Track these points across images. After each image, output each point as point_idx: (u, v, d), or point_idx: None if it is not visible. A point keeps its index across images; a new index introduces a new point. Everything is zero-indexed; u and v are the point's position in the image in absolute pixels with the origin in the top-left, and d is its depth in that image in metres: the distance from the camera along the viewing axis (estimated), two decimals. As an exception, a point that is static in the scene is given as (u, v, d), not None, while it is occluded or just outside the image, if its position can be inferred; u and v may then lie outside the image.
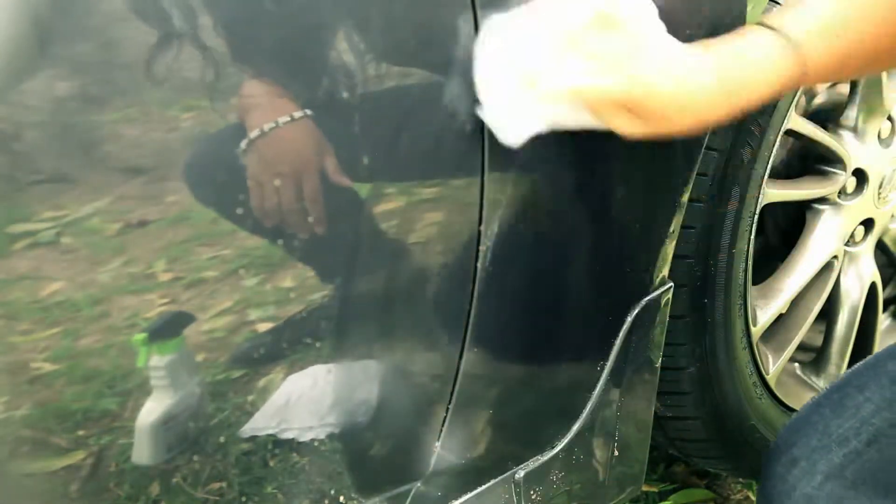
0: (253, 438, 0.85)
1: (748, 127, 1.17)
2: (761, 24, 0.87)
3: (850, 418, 0.96)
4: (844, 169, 1.40)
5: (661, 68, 0.82)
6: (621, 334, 1.08)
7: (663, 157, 1.06)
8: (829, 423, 0.97)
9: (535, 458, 1.07)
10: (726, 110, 0.86)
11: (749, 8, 1.09)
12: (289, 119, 0.78)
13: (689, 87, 0.83)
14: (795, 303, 1.44)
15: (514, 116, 0.85)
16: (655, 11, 0.85)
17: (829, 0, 0.88)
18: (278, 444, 0.87)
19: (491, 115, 0.85)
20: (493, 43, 0.84)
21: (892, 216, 1.54)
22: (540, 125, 0.86)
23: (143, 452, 0.79)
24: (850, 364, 1.50)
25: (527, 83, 0.83)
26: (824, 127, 1.39)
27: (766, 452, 1.01)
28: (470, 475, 1.03)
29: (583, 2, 0.82)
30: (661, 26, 0.84)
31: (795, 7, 0.88)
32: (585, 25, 0.81)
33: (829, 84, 1.45)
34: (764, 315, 1.36)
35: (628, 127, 0.85)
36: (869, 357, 1.03)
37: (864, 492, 0.93)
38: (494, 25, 0.84)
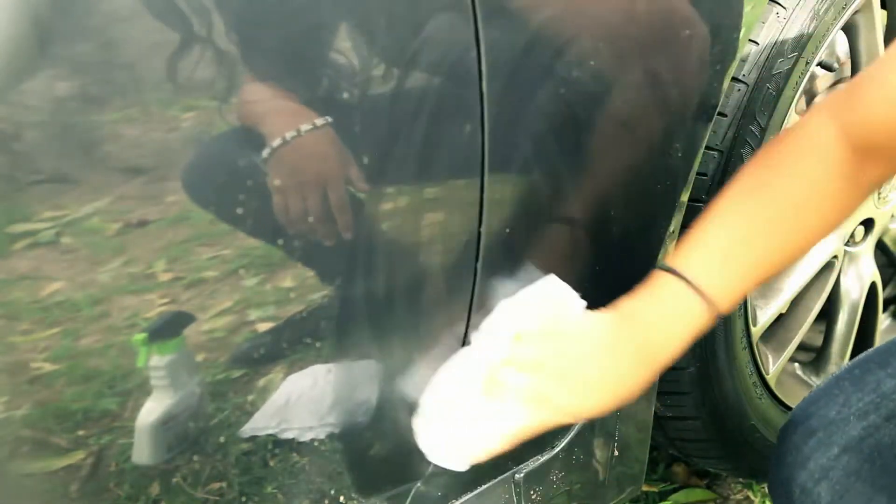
0: (253, 438, 0.85)
1: (748, 127, 1.17)
2: (664, 269, 0.89)
3: (870, 392, 0.96)
4: (844, 169, 1.40)
5: (585, 385, 0.87)
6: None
7: (663, 157, 1.06)
8: (849, 396, 0.96)
9: (535, 458, 1.07)
10: (649, 374, 0.89)
11: (748, 8, 1.09)
12: (289, 120, 0.78)
13: (617, 375, 0.87)
14: (795, 303, 1.44)
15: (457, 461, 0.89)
16: (572, 304, 0.90)
17: (721, 227, 0.89)
18: (278, 444, 0.87)
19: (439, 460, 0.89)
20: (431, 410, 0.89)
21: (892, 216, 1.54)
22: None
23: (143, 452, 0.79)
24: (850, 364, 1.50)
25: (466, 441, 0.88)
26: (824, 127, 1.38)
27: (783, 426, 1.01)
28: (470, 475, 1.02)
29: (501, 332, 0.88)
30: (577, 321, 0.90)
31: (691, 245, 0.89)
32: (502, 360, 0.87)
33: (829, 84, 1.45)
34: (764, 315, 1.36)
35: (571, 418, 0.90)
36: (893, 338, 1.03)
37: (881, 465, 0.93)
38: (429, 393, 0.89)
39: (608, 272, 1.06)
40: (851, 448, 0.94)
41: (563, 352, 0.87)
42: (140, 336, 0.75)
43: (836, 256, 1.44)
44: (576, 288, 1.04)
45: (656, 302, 0.88)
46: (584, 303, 0.91)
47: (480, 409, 0.87)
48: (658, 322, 0.88)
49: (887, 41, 1.41)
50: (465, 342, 0.95)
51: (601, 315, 0.89)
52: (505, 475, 1.05)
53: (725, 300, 0.88)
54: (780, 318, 1.42)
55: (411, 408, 0.92)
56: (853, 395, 0.96)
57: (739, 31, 1.10)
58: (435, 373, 0.90)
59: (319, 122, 0.79)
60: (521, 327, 0.88)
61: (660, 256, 1.10)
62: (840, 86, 0.96)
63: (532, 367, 0.86)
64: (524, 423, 0.87)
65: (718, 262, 0.88)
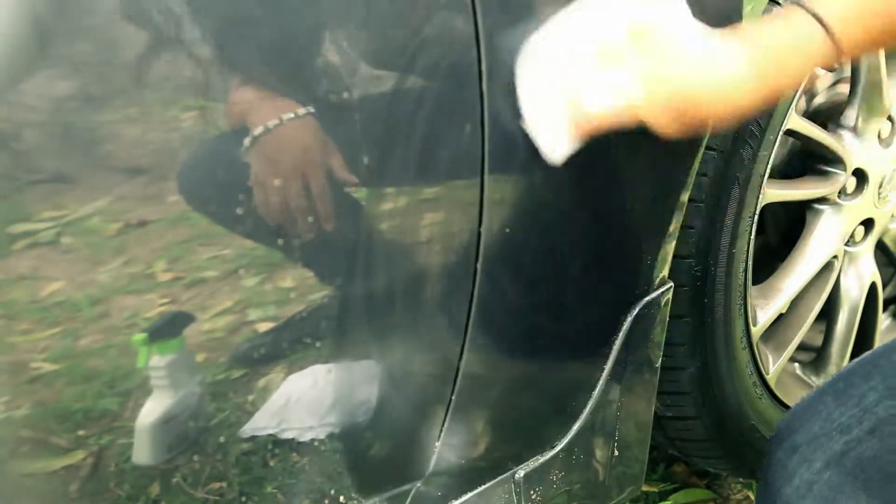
0: (253, 438, 0.85)
1: (748, 127, 1.17)
2: (798, 3, 0.89)
3: (853, 406, 0.96)
4: (844, 169, 1.40)
5: (699, 70, 0.87)
6: (621, 334, 1.08)
7: (663, 157, 1.06)
8: (831, 410, 0.97)
9: (535, 458, 1.07)
10: (764, 97, 0.89)
11: (748, 8, 1.09)
12: (289, 120, 0.78)
13: (728, 83, 0.87)
14: (795, 303, 1.44)
15: (558, 133, 0.90)
16: (685, 11, 0.88)
17: None
18: (278, 444, 0.87)
19: (536, 131, 0.89)
20: (534, 61, 0.88)
21: (892, 216, 1.54)
22: (582, 140, 0.90)
23: (143, 452, 0.79)
24: (850, 364, 1.50)
25: (571, 101, 0.88)
26: (824, 127, 1.39)
27: (770, 439, 1.01)
28: (470, 475, 1.03)
29: (616, 18, 0.87)
30: (692, 25, 0.88)
31: None
32: (621, 41, 0.87)
33: (829, 84, 1.45)
34: (764, 315, 1.36)
35: (673, 128, 0.89)
36: (876, 348, 1.03)
37: (863, 480, 0.93)
38: (534, 43, 0.88)
39: (608, 272, 1.06)
40: (834, 463, 0.94)
41: (676, 61, 0.87)
42: (140, 336, 0.75)
43: (836, 256, 1.45)
44: (576, 288, 1.04)
45: (781, 27, 0.88)
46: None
47: (593, 75, 0.87)
48: (780, 44, 0.88)
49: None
50: (465, 342, 0.95)
51: (724, 32, 0.89)
52: (505, 475, 1.05)
53: (850, 43, 0.88)
54: (780, 318, 1.42)
55: (411, 408, 0.92)
56: (835, 409, 0.97)
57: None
58: (435, 371, 0.90)
59: (319, 122, 0.79)
60: (636, 22, 0.87)
61: (660, 256, 1.10)
62: None
63: (639, 71, 0.86)
64: (635, 103, 0.87)
65: (853, 12, 0.88)
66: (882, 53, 1.38)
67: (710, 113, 0.88)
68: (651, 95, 0.87)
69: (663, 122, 0.89)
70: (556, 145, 0.90)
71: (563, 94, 0.88)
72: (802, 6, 0.88)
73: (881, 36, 0.89)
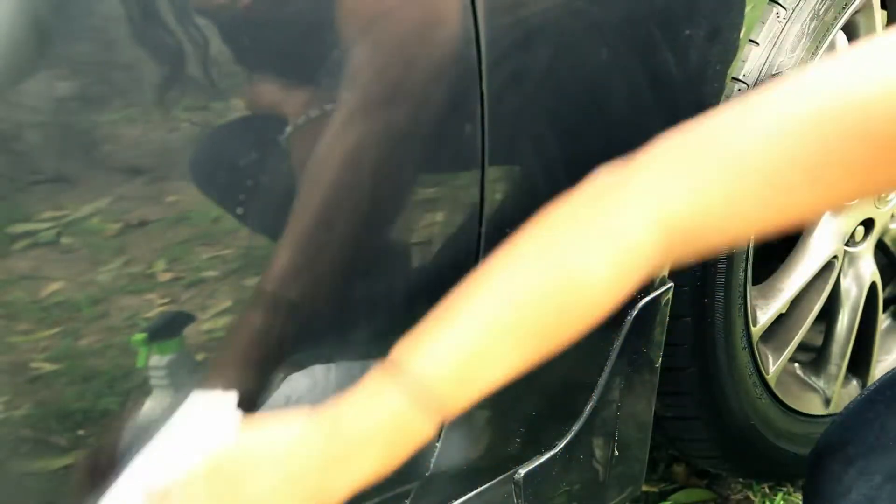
0: (253, 438, 0.85)
1: (748, 127, 1.17)
2: (387, 367, 0.71)
3: None
4: (844, 169, 1.40)
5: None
6: (621, 334, 1.08)
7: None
8: (885, 420, 0.93)
9: (535, 458, 1.07)
10: (347, 491, 0.71)
11: (748, 8, 1.10)
12: (289, 122, 0.78)
13: (310, 487, 0.70)
14: (795, 303, 1.44)
15: None
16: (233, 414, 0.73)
17: (460, 328, 0.71)
18: (278, 444, 0.87)
19: None
20: None
21: (892, 216, 1.53)
22: None
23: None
24: (851, 364, 1.50)
25: None
26: (824, 127, 1.38)
27: (814, 449, 0.97)
28: (470, 475, 1.03)
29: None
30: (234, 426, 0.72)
31: (422, 343, 0.71)
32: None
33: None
34: (764, 315, 1.36)
35: None
36: None
37: None
38: None
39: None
40: (894, 476, 0.90)
41: (238, 482, 0.69)
42: (140, 336, 0.75)
43: (836, 256, 1.44)
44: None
45: (373, 408, 0.70)
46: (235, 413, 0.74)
47: None
48: (366, 435, 0.70)
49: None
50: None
51: (290, 420, 0.71)
52: (505, 475, 1.05)
53: (453, 405, 0.72)
54: (780, 318, 1.42)
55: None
56: (890, 418, 0.93)
57: (739, 31, 1.10)
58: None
59: (319, 123, 0.79)
60: (178, 472, 0.70)
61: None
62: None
63: None
64: None
65: (458, 361, 0.71)
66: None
67: None
68: None
69: None
70: None
71: None
72: (393, 370, 0.70)
73: (497, 383, 0.74)
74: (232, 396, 0.74)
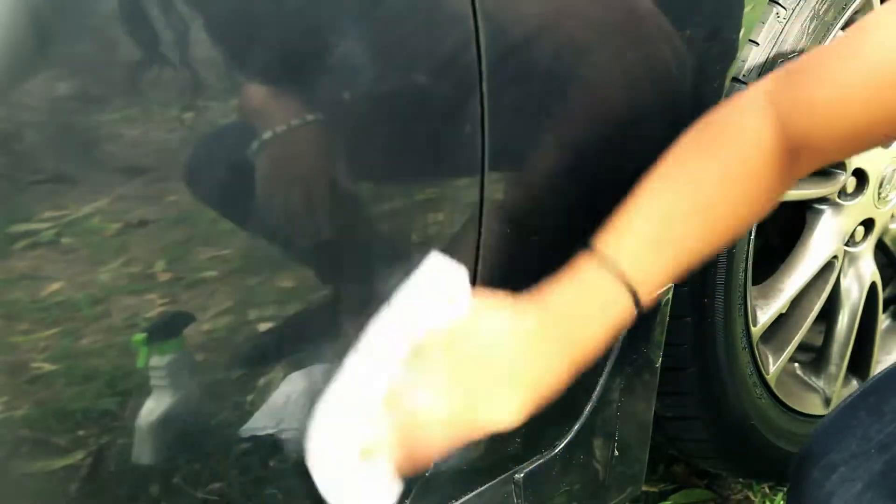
0: (253, 438, 0.85)
1: (748, 127, 1.17)
2: (591, 253, 0.81)
3: (889, 423, 0.93)
4: (844, 169, 1.40)
5: (512, 364, 0.78)
6: (621, 335, 1.08)
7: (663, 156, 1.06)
8: (867, 427, 0.93)
9: (535, 459, 1.07)
10: (569, 373, 0.80)
11: (748, 8, 1.09)
12: (290, 121, 0.78)
13: (538, 365, 0.78)
14: (795, 303, 1.44)
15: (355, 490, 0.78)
16: (466, 288, 0.79)
17: (649, 213, 0.82)
18: (278, 444, 0.87)
19: (328, 490, 0.77)
20: (337, 411, 0.77)
21: (892, 216, 1.53)
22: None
23: (143, 452, 0.79)
24: (851, 364, 1.50)
25: (400, 436, 0.77)
26: (824, 127, 1.38)
27: (797, 455, 0.98)
28: (470, 475, 1.03)
29: (393, 344, 0.77)
30: (486, 313, 0.79)
31: (619, 231, 0.82)
32: (406, 368, 0.77)
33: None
34: (764, 315, 1.36)
35: (508, 421, 0.79)
36: None
37: None
38: (326, 401, 0.78)
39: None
40: (875, 484, 0.90)
41: (472, 359, 0.78)
42: (140, 336, 0.75)
43: (836, 256, 1.44)
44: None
45: (582, 292, 0.80)
46: (468, 288, 0.80)
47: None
48: (582, 314, 0.80)
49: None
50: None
51: (514, 308, 0.80)
52: (505, 475, 1.05)
53: (649, 292, 0.81)
54: (780, 318, 1.42)
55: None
56: (871, 426, 0.93)
57: (739, 31, 1.10)
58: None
59: (319, 123, 0.79)
60: (413, 340, 0.78)
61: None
62: (782, 68, 0.88)
63: (433, 386, 0.76)
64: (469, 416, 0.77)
65: (646, 250, 0.81)
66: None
67: (521, 406, 0.78)
68: (479, 404, 0.77)
69: (497, 415, 0.78)
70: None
71: (384, 434, 0.76)
72: (594, 254, 0.80)
73: (684, 264, 0.83)
74: (464, 271, 0.80)
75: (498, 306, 0.80)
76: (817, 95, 0.82)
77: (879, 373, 0.99)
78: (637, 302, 0.80)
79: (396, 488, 0.79)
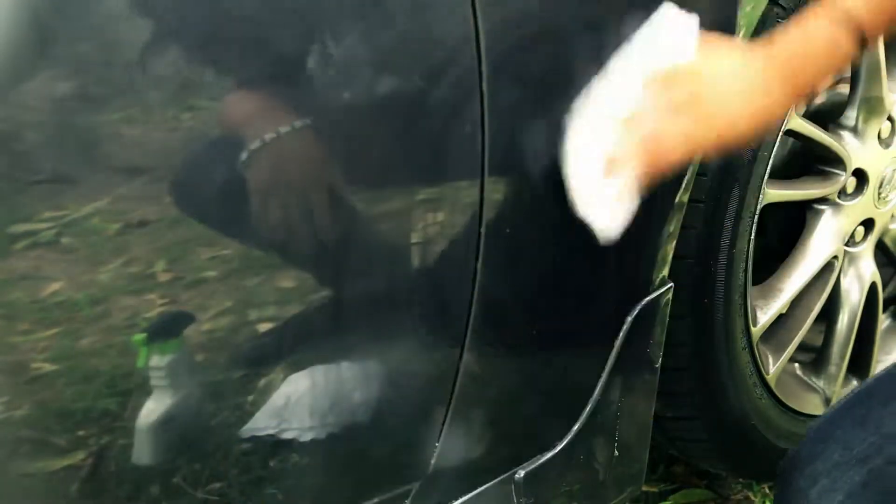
0: (253, 438, 0.85)
1: (748, 127, 1.17)
2: (821, 6, 0.91)
3: (872, 433, 0.93)
4: (844, 169, 1.40)
5: (746, 101, 0.91)
6: (621, 334, 1.08)
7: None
8: (850, 438, 0.93)
9: (535, 459, 1.07)
10: (795, 98, 0.94)
11: (748, 8, 1.09)
12: (288, 122, 0.78)
13: (764, 99, 0.91)
14: (795, 303, 1.44)
15: (611, 206, 0.92)
16: (696, 33, 0.93)
17: None
18: (278, 444, 0.87)
19: (594, 204, 0.92)
20: (577, 139, 0.91)
21: (892, 216, 1.53)
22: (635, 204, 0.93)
23: (143, 452, 0.79)
24: (851, 364, 1.50)
25: (640, 150, 0.90)
26: (824, 127, 1.39)
27: (784, 461, 0.98)
28: (470, 475, 1.03)
29: (634, 76, 0.91)
30: (713, 42, 0.93)
31: None
32: (645, 96, 0.90)
33: (828, 84, 1.45)
34: (764, 315, 1.36)
35: (720, 151, 0.94)
36: (892, 366, 1.01)
37: None
38: (575, 122, 0.91)
39: (608, 273, 1.06)
40: (855, 495, 0.91)
41: (707, 87, 0.91)
42: (140, 336, 0.75)
43: (836, 257, 1.44)
44: (576, 288, 1.04)
45: (808, 37, 0.91)
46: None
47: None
48: (807, 56, 0.91)
49: (887, 41, 1.40)
50: (465, 342, 0.95)
51: (745, 51, 0.93)
52: (505, 475, 1.05)
53: (875, 26, 0.91)
54: (780, 319, 1.42)
55: (411, 408, 0.92)
56: (855, 436, 0.93)
57: (739, 31, 1.10)
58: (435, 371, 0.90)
59: (319, 124, 0.79)
60: (653, 71, 0.91)
61: (659, 256, 1.10)
62: None
63: (674, 109, 0.90)
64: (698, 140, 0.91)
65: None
66: (882, 53, 1.38)
67: (755, 129, 0.92)
68: (712, 131, 0.91)
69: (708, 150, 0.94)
70: (616, 213, 0.92)
71: (628, 147, 0.90)
72: (828, 9, 0.91)
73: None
74: (694, 20, 0.93)
75: (732, 48, 0.95)
76: None
77: (869, 380, 1.00)
78: (863, 40, 0.91)
79: (635, 203, 0.93)
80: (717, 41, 0.94)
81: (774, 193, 1.31)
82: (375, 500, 0.95)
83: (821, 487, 0.92)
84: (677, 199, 1.09)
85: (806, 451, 0.96)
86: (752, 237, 1.25)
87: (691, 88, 0.91)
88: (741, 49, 0.94)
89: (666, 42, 0.92)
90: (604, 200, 0.92)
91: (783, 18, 1.17)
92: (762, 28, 1.16)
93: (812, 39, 0.91)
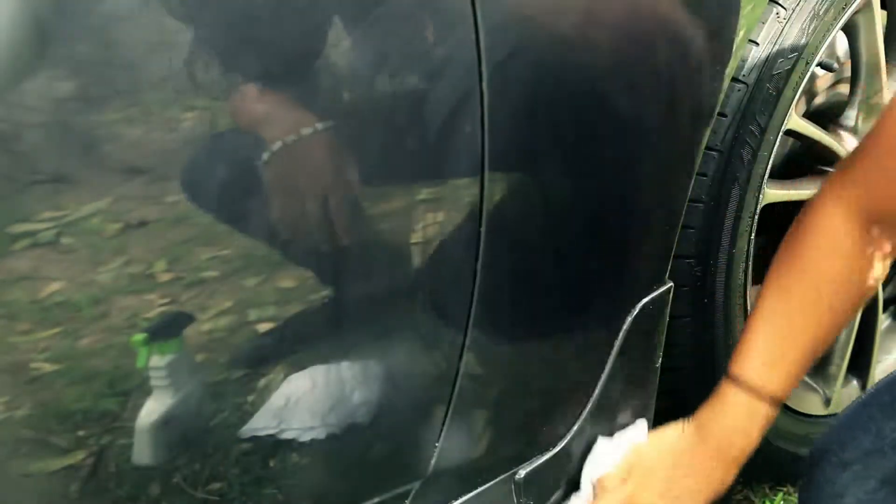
0: (253, 438, 0.85)
1: (748, 127, 1.17)
2: (729, 379, 1.01)
3: None
4: (844, 169, 1.40)
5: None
6: (621, 334, 1.08)
7: (663, 157, 1.06)
8: (881, 425, 0.94)
9: (535, 458, 1.07)
10: (733, 472, 1.04)
11: (748, 8, 1.09)
12: (288, 123, 0.78)
13: (703, 478, 1.03)
14: (795, 303, 1.43)
15: None
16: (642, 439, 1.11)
17: (766, 332, 1.00)
18: (278, 444, 0.87)
19: None
20: None
21: (892, 216, 1.53)
22: None
23: (143, 452, 0.79)
24: (851, 364, 1.50)
25: None
26: (824, 127, 1.38)
27: (811, 451, 0.99)
28: (470, 475, 1.03)
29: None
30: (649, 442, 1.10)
31: (745, 353, 1.01)
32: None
33: (829, 84, 1.45)
34: (764, 315, 1.36)
35: None
36: None
37: None
38: None
39: (608, 273, 1.06)
40: (889, 481, 0.91)
41: (649, 481, 1.03)
42: (140, 336, 0.75)
43: (836, 256, 1.44)
44: (576, 288, 1.04)
45: (728, 412, 1.02)
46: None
47: None
48: (732, 428, 1.01)
49: (887, 41, 1.40)
50: (465, 342, 0.95)
51: (678, 433, 1.05)
52: (505, 475, 1.05)
53: (784, 392, 1.01)
54: (780, 319, 1.42)
55: (411, 408, 0.92)
56: (885, 423, 0.94)
57: (739, 31, 1.10)
58: (435, 371, 0.92)
59: (320, 123, 0.79)
60: (600, 473, 1.07)
61: (659, 256, 1.10)
62: (838, 166, 1.07)
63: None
64: None
65: (772, 363, 1.00)
66: (882, 52, 1.38)
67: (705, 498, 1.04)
68: None
69: None
70: None
71: None
72: (737, 383, 1.01)
73: (810, 358, 1.01)
74: (643, 425, 1.13)
75: (664, 434, 1.07)
76: (874, 181, 0.95)
77: (892, 374, 1.00)
78: (776, 404, 1.01)
79: None
80: (658, 433, 1.08)
81: (774, 193, 1.31)
82: (375, 500, 0.95)
83: (851, 474, 0.94)
84: (677, 200, 1.09)
85: (834, 440, 0.98)
86: (752, 237, 1.25)
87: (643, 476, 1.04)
88: (675, 433, 1.06)
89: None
90: None
91: (784, 18, 1.17)
92: (762, 28, 1.16)
93: (731, 416, 1.03)
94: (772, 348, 1.00)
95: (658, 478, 1.04)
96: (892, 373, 1.00)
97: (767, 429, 1.02)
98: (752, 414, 1.01)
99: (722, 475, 1.03)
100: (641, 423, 1.13)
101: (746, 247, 1.24)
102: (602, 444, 1.10)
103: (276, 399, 0.85)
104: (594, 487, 1.08)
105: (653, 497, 1.03)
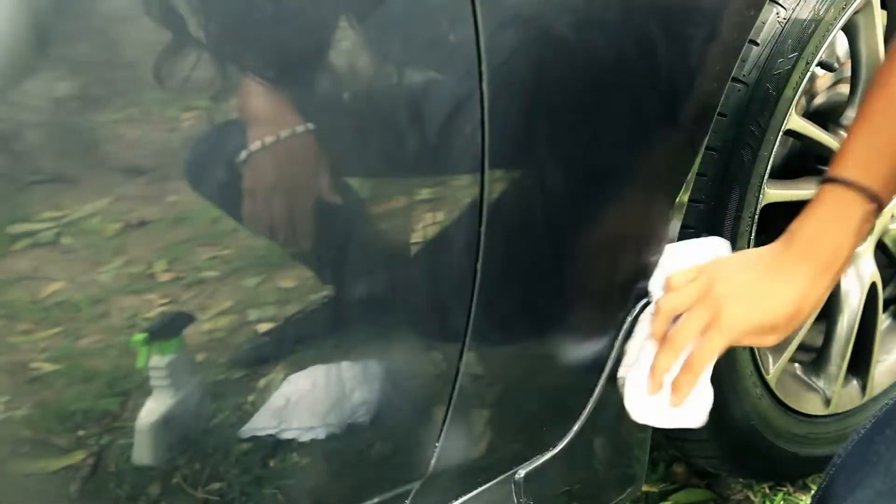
0: (253, 438, 0.85)
1: (748, 127, 1.17)
2: (826, 179, 0.98)
3: None
4: (844, 169, 1.40)
5: (765, 300, 0.98)
6: (621, 334, 1.08)
7: (664, 157, 1.06)
8: (889, 463, 0.89)
9: (535, 458, 1.07)
10: (828, 278, 0.99)
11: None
12: (289, 122, 0.78)
13: (803, 301, 0.98)
14: (795, 303, 1.43)
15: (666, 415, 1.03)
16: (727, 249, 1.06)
17: (867, 134, 0.98)
18: (278, 444, 0.87)
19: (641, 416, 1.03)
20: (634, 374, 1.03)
21: (892, 216, 1.53)
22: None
23: (143, 452, 0.79)
24: (851, 364, 1.50)
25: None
26: (824, 127, 1.38)
27: (817, 494, 0.95)
28: (470, 475, 1.03)
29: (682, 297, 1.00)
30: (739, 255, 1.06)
31: (844, 154, 0.99)
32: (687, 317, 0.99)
33: (829, 84, 1.45)
34: (764, 315, 1.36)
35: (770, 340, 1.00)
36: None
37: None
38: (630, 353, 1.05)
39: (608, 272, 1.06)
40: None
41: (730, 280, 0.98)
42: (140, 336, 0.75)
43: (836, 256, 1.44)
44: (576, 288, 1.04)
45: (820, 211, 0.98)
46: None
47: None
48: (823, 228, 0.97)
49: (887, 41, 1.40)
50: (465, 342, 0.95)
51: (768, 246, 1.00)
52: (505, 475, 1.05)
53: (881, 189, 0.97)
54: (780, 319, 1.42)
55: (411, 408, 0.92)
56: (893, 462, 0.89)
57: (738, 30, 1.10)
58: (435, 371, 0.91)
59: (319, 123, 0.79)
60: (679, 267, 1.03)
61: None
62: None
63: (702, 301, 0.98)
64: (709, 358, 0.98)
65: (869, 159, 0.97)
66: (882, 52, 1.38)
67: (792, 322, 0.99)
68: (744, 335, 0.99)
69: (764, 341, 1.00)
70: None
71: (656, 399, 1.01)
72: (833, 179, 0.97)
73: None
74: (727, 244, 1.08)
75: (749, 250, 1.06)
76: None
77: (889, 402, 0.95)
78: (873, 202, 0.97)
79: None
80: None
81: (774, 193, 1.31)
82: (375, 500, 0.95)
83: None
84: (677, 200, 1.09)
85: (842, 482, 0.93)
86: (752, 237, 1.25)
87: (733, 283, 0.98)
88: (764, 250, 1.01)
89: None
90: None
91: (784, 19, 1.17)
92: (762, 28, 1.16)
93: (830, 220, 0.98)
94: (870, 147, 0.97)
95: (739, 279, 0.99)
96: (885, 404, 0.96)
97: (864, 233, 0.98)
98: (845, 209, 0.97)
99: (811, 280, 0.98)
100: (724, 241, 1.08)
101: (747, 247, 1.24)
102: (677, 248, 1.07)
103: (276, 399, 0.85)
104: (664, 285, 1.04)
105: (733, 292, 0.98)
